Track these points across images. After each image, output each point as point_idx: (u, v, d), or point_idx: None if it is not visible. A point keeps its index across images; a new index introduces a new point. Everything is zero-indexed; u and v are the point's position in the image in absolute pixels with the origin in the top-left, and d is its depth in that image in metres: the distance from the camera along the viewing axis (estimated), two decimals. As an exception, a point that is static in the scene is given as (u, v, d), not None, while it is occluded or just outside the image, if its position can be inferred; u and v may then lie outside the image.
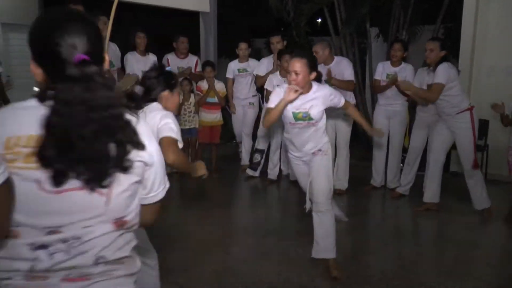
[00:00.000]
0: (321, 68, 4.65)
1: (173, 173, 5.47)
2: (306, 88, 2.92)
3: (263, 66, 5.25)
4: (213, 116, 5.36)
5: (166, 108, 2.30)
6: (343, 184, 4.82)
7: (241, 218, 4.14)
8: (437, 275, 3.03)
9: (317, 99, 2.97)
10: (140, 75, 4.76)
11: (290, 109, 2.97)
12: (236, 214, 4.38)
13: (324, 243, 2.99)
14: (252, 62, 5.48)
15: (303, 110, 2.96)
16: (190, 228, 3.86)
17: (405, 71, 4.60)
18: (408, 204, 4.57)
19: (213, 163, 5.45)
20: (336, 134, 4.75)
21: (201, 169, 2.33)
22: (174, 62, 5.45)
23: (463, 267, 3.17)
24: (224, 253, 3.38)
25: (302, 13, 6.31)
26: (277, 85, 4.75)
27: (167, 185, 1.25)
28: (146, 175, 1.15)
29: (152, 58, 4.93)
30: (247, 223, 3.91)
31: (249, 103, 5.52)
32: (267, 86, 4.87)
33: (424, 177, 4.69)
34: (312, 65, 2.90)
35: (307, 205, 3.17)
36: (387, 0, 6.11)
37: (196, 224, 3.94)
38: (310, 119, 2.98)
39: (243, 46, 5.41)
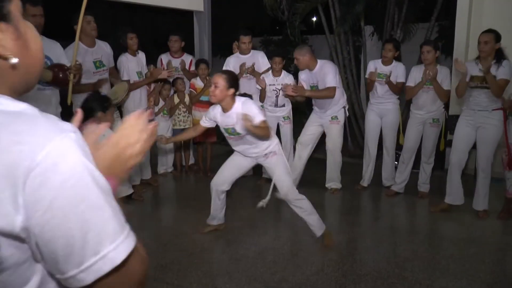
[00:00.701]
0: (306, 73, 4.59)
1: (167, 172, 5.48)
2: (228, 105, 3.15)
3: (230, 66, 4.96)
4: (208, 115, 5.32)
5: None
6: (337, 185, 4.82)
7: (235, 218, 4.12)
8: (432, 272, 3.04)
9: (239, 115, 3.09)
10: (134, 75, 4.76)
11: (221, 125, 3.30)
12: (230, 213, 4.37)
13: (313, 222, 3.36)
14: None
15: (230, 126, 3.24)
16: (184, 228, 3.85)
17: (396, 70, 4.60)
18: (403, 202, 4.58)
19: (207, 162, 5.44)
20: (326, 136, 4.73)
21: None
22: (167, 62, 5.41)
23: (457, 264, 3.17)
24: (219, 253, 3.37)
25: (297, 12, 6.30)
26: (270, 85, 4.78)
27: (121, 250, 0.66)
28: (35, 246, 0.64)
29: (141, 57, 4.89)
30: (241, 223, 3.90)
31: None
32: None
33: (424, 175, 4.71)
34: (231, 81, 3.11)
35: (261, 203, 3.52)
36: (382, -2, 6.12)
37: (190, 224, 3.93)
38: (238, 133, 3.24)
39: (235, 46, 5.38)
